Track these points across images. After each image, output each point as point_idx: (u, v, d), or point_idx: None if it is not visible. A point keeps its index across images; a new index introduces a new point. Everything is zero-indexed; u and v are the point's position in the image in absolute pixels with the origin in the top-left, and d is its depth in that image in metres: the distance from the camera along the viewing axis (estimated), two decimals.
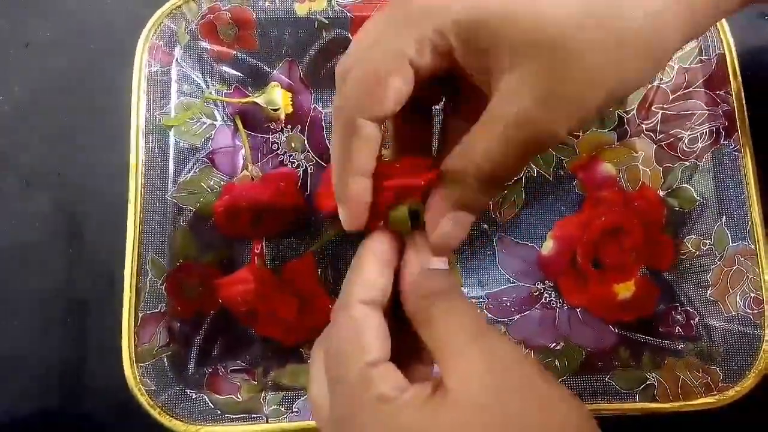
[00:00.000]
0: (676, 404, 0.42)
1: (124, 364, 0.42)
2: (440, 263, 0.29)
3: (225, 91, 0.49)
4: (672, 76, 0.47)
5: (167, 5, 0.46)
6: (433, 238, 0.29)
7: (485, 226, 0.48)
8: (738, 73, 0.45)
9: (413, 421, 0.24)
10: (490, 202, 0.48)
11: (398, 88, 0.27)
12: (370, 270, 0.29)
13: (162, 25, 0.46)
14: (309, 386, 0.29)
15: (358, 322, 0.27)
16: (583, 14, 0.24)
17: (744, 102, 0.45)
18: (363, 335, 0.27)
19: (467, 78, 0.28)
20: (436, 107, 0.34)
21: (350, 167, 0.28)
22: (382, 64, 0.27)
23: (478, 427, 0.24)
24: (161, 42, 0.46)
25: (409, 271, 0.29)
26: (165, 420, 0.42)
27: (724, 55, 0.45)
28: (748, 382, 0.41)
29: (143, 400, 0.42)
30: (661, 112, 0.47)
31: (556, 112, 0.25)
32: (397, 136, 0.33)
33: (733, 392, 0.41)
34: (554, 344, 0.45)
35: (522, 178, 0.48)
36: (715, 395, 0.41)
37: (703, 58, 0.46)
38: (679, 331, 0.45)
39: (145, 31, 0.46)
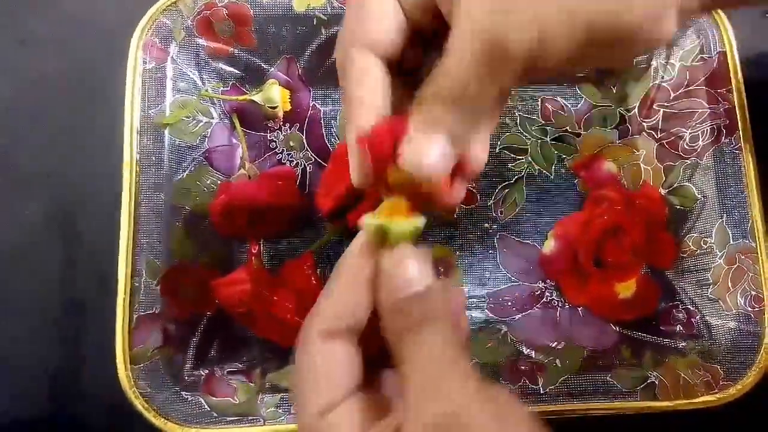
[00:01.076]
0: (677, 402, 0.41)
1: (118, 366, 0.41)
2: (415, 284, 0.26)
3: (221, 88, 0.48)
4: (673, 74, 0.47)
5: (162, 1, 0.46)
6: (413, 168, 0.26)
7: (486, 224, 0.47)
8: (739, 71, 0.45)
9: None
10: (491, 201, 0.48)
11: (391, 22, 0.28)
12: (339, 293, 0.27)
13: (157, 21, 0.46)
14: None
15: (312, 360, 0.26)
16: None
17: (745, 100, 0.45)
18: (316, 376, 0.26)
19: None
20: None
21: (356, 104, 0.27)
22: (377, 10, 0.28)
23: None
24: (156, 39, 0.46)
25: (380, 302, 0.27)
26: (160, 423, 0.41)
27: (725, 53, 0.45)
28: (749, 380, 0.41)
29: (138, 402, 0.41)
30: (662, 110, 0.47)
31: (506, 22, 0.24)
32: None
33: (734, 390, 0.41)
34: (555, 343, 0.45)
35: (523, 176, 0.48)
36: (716, 393, 0.41)
37: (704, 56, 0.46)
38: (680, 330, 0.45)
39: (139, 28, 0.45)
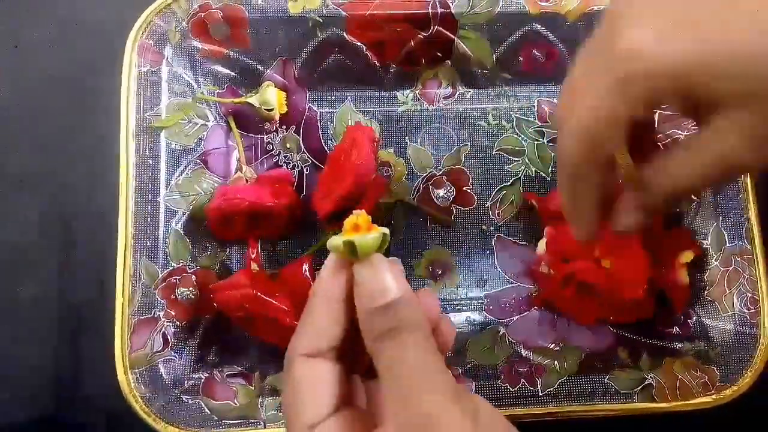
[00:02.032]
0: (674, 404, 0.42)
1: (117, 370, 0.41)
2: (390, 293, 0.27)
3: (217, 91, 0.48)
4: None
5: (157, 4, 0.45)
6: (617, 227, 0.32)
7: (484, 226, 0.48)
8: None
9: None
10: (489, 203, 0.48)
11: (612, 149, 0.29)
12: (317, 314, 0.28)
13: (152, 23, 0.45)
14: None
15: (295, 380, 0.27)
16: None
17: None
18: (300, 394, 0.27)
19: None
20: None
21: (582, 205, 0.31)
22: (597, 130, 0.28)
23: None
24: (151, 41, 0.45)
25: (358, 311, 0.27)
26: (160, 427, 0.41)
27: None
28: (746, 381, 0.42)
29: (138, 406, 0.41)
30: (658, 111, 0.47)
31: (761, 154, 0.26)
32: None
33: (731, 391, 0.42)
34: (553, 345, 0.45)
35: (520, 178, 0.48)
36: (712, 394, 0.42)
37: None
38: (677, 331, 0.45)
39: (133, 31, 0.45)
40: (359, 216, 0.28)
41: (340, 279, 0.28)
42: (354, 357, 0.29)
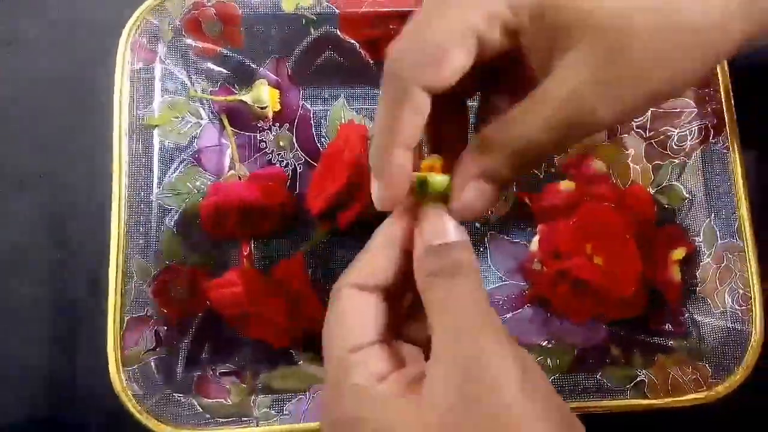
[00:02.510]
0: (666, 400, 0.42)
1: (110, 368, 0.41)
2: (451, 235, 0.28)
3: (210, 89, 0.48)
4: None
5: (150, 1, 0.45)
6: (455, 203, 0.28)
7: (477, 223, 0.48)
8: (726, 71, 0.45)
9: (379, 415, 0.25)
10: None
11: (461, 60, 0.27)
12: (372, 251, 0.29)
13: (145, 21, 0.45)
14: None
15: (342, 306, 0.28)
16: (646, 4, 0.25)
17: (732, 100, 0.45)
18: (345, 320, 0.27)
19: (521, 62, 0.29)
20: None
21: (396, 139, 0.28)
22: (447, 34, 0.27)
23: None
24: (144, 39, 0.45)
25: (416, 248, 0.28)
26: (152, 424, 0.41)
27: None
28: (737, 377, 0.42)
29: (130, 404, 0.41)
30: (651, 109, 0.47)
31: (606, 95, 0.25)
32: (432, 133, 0.32)
33: (722, 388, 0.42)
34: (546, 342, 0.45)
35: None
36: (704, 391, 0.42)
37: None
38: (669, 328, 0.45)
39: (126, 28, 0.45)
40: (435, 159, 0.30)
41: (402, 226, 0.29)
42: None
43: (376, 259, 0.29)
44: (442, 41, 0.27)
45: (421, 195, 0.29)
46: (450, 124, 0.32)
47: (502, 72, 0.31)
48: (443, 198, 0.29)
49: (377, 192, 0.29)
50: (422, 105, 0.27)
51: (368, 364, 0.26)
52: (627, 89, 0.25)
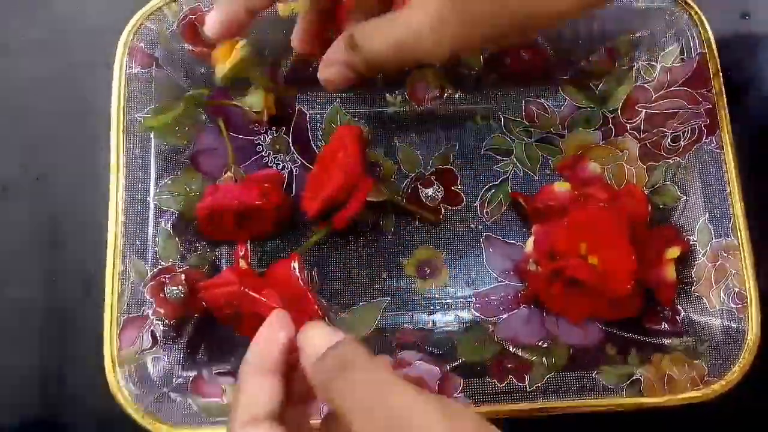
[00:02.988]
0: (662, 399, 0.42)
1: (106, 368, 0.41)
2: (326, 342, 0.29)
3: (207, 94, 0.48)
4: (655, 75, 0.47)
5: (148, 6, 0.46)
6: (322, 75, 0.34)
7: (472, 225, 0.48)
8: (719, 71, 0.46)
9: None
10: (477, 202, 0.48)
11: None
12: (250, 385, 0.30)
13: (142, 26, 0.46)
14: None
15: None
16: None
17: (725, 100, 0.45)
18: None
19: None
20: None
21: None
22: None
23: None
24: (142, 43, 0.46)
25: (304, 365, 0.29)
26: (149, 424, 0.41)
27: (705, 54, 0.46)
28: (733, 375, 0.42)
29: (126, 404, 0.41)
30: (644, 110, 0.47)
31: (442, 36, 0.30)
32: None
33: (719, 386, 0.42)
34: (541, 342, 0.45)
35: (508, 177, 0.48)
36: (700, 389, 0.42)
37: (684, 57, 0.46)
38: (664, 327, 0.45)
39: (125, 33, 0.45)
40: None
41: (272, 348, 0.31)
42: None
43: (253, 391, 0.30)
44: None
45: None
46: None
47: None
48: None
49: (213, 16, 0.34)
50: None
51: None
52: (462, 31, 0.29)
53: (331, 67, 0.33)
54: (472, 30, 0.30)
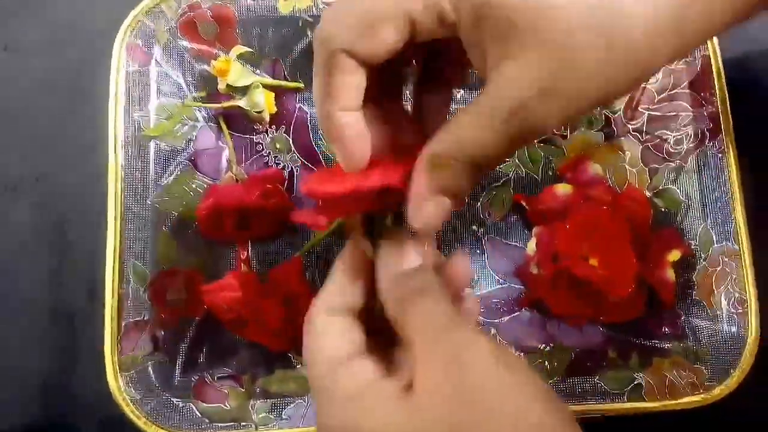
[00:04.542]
0: (663, 403, 0.42)
1: (107, 373, 0.41)
2: (412, 262, 0.29)
3: (206, 91, 0.47)
4: (657, 77, 0.47)
5: (145, 3, 0.45)
6: (415, 224, 0.28)
7: (474, 227, 0.48)
8: (722, 75, 0.45)
9: (374, 421, 0.25)
10: (479, 204, 0.48)
11: (391, 35, 0.27)
12: (336, 279, 0.31)
13: (140, 23, 0.45)
14: None
15: (317, 330, 0.29)
16: (588, 16, 0.25)
17: (728, 104, 0.45)
18: (323, 341, 0.29)
19: (452, 54, 0.30)
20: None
21: (334, 101, 0.28)
22: (380, 10, 0.27)
23: None
24: (139, 41, 0.45)
25: (380, 277, 0.30)
26: (151, 430, 0.41)
27: (708, 57, 0.46)
28: (734, 380, 0.42)
29: (128, 409, 0.41)
30: (647, 113, 0.47)
31: (552, 105, 0.26)
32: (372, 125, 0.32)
33: (719, 390, 0.42)
34: (543, 345, 0.45)
35: (510, 178, 0.48)
36: (701, 394, 0.42)
37: (687, 60, 0.46)
38: (666, 331, 0.45)
39: (122, 30, 0.45)
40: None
41: (359, 253, 0.31)
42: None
43: (342, 285, 0.30)
44: (373, 15, 0.27)
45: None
46: (429, 94, 0.33)
47: (440, 54, 0.31)
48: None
49: (339, 156, 0.30)
50: (352, 68, 0.28)
51: (356, 374, 0.27)
52: (571, 100, 0.26)
53: (425, 209, 0.28)
54: (576, 102, 0.27)
